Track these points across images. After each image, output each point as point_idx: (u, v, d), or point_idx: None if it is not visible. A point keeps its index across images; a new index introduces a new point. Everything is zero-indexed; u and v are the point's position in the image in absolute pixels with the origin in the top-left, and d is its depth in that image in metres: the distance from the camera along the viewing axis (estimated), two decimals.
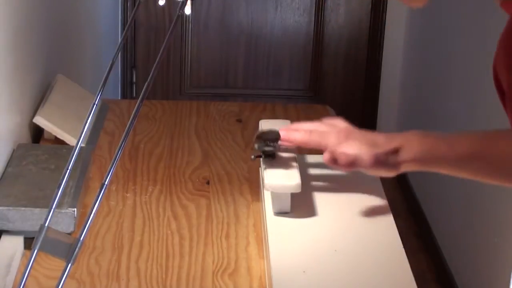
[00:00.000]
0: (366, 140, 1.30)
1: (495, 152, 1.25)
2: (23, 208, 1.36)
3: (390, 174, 1.28)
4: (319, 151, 1.75)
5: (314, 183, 1.44)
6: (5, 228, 1.36)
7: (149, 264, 1.33)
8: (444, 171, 1.30)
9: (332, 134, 1.31)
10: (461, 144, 1.30)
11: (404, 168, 1.27)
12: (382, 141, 1.31)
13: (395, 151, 1.28)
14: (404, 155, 1.28)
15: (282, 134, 1.36)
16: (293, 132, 1.36)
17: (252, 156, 1.41)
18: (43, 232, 1.01)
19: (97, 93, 1.12)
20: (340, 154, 1.28)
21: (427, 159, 1.28)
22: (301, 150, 1.64)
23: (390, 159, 1.27)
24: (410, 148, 1.28)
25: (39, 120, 1.68)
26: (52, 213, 1.02)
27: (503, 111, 1.25)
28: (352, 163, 1.27)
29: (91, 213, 0.99)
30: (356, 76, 3.76)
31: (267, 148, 1.39)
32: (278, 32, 3.70)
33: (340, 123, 1.35)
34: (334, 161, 1.28)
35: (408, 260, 1.23)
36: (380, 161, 1.27)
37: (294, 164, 1.39)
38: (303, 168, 1.46)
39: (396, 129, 3.80)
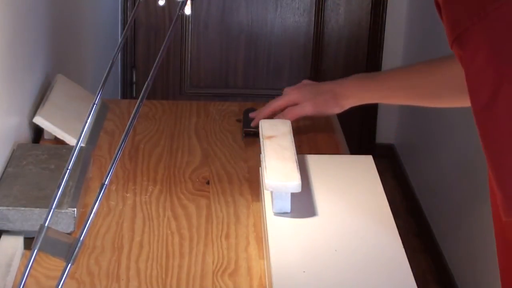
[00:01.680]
0: (312, 90, 1.73)
1: (427, 81, 1.62)
2: (23, 208, 1.36)
3: (333, 112, 1.73)
4: (319, 151, 1.75)
5: (314, 183, 1.44)
6: (5, 228, 1.36)
7: (149, 264, 1.33)
8: (381, 101, 1.77)
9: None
10: (389, 81, 1.68)
11: (346, 107, 1.72)
12: (324, 89, 1.72)
13: (335, 96, 1.70)
14: (342, 99, 1.71)
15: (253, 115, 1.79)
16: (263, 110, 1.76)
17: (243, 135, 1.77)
18: (43, 232, 1.01)
19: (97, 93, 1.12)
20: (287, 111, 1.72)
21: (364, 97, 1.72)
22: (301, 150, 1.64)
23: (330, 103, 1.71)
24: (348, 92, 1.71)
25: (39, 120, 1.68)
26: (52, 213, 1.02)
27: None
28: (298, 114, 1.71)
29: (91, 213, 1.00)
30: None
31: (249, 129, 1.76)
32: (278, 32, 3.70)
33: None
34: (283, 116, 1.70)
35: (408, 260, 1.23)
36: (319, 106, 1.71)
37: (294, 164, 1.39)
38: (303, 168, 1.46)
39: (397, 129, 3.80)
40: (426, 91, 1.65)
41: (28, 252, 1.35)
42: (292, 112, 1.72)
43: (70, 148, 1.60)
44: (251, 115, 1.80)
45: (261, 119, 1.67)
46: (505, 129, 0.90)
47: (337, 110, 1.73)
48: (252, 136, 1.75)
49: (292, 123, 1.56)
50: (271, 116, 1.74)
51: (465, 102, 1.45)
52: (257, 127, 1.67)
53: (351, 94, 1.71)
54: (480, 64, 0.90)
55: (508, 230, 1.06)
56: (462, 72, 1.35)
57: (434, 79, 1.59)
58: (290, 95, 1.75)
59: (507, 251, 1.07)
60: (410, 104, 1.76)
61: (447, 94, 1.59)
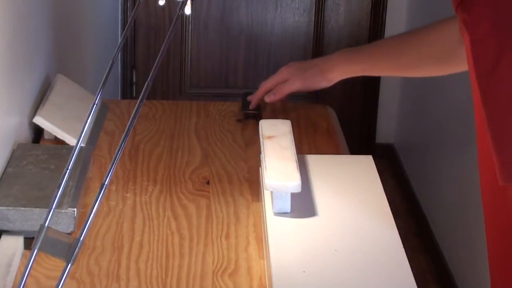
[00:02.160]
0: (301, 66, 1.81)
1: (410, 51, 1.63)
2: (23, 208, 1.36)
3: (321, 87, 1.77)
4: (319, 151, 1.75)
5: (314, 183, 1.44)
6: (5, 228, 1.36)
7: (149, 264, 1.33)
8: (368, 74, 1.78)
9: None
10: (374, 53, 1.72)
11: (333, 81, 1.76)
12: (312, 64, 1.79)
13: (322, 70, 1.75)
14: (329, 73, 1.75)
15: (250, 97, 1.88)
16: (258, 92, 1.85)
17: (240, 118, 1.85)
18: (43, 232, 1.01)
19: (97, 93, 1.12)
20: (277, 89, 1.81)
21: (350, 71, 1.75)
22: (301, 150, 1.64)
23: (317, 77, 1.76)
24: (334, 66, 1.75)
25: (39, 120, 1.68)
26: (52, 213, 1.02)
27: None
28: (286, 91, 1.79)
29: (91, 213, 1.00)
30: (356, 76, 3.76)
31: (248, 111, 1.85)
32: (278, 32, 3.70)
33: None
34: (273, 95, 1.82)
35: (408, 260, 1.23)
36: (307, 81, 1.77)
37: (294, 164, 1.39)
38: (303, 168, 1.46)
39: (396, 129, 3.80)
40: (409, 60, 1.65)
41: (28, 252, 1.35)
42: (281, 89, 1.80)
43: (70, 148, 1.60)
44: (248, 98, 1.89)
45: (257, 99, 1.85)
46: (507, 95, 0.91)
47: (325, 83, 1.77)
48: (251, 118, 1.84)
49: (292, 123, 1.56)
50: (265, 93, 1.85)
51: (444, 71, 1.57)
52: (256, 109, 1.85)
53: (336, 68, 1.75)
54: (484, 30, 0.91)
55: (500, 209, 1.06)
56: (444, 40, 1.44)
57: (417, 47, 1.61)
58: (279, 73, 1.83)
59: (499, 231, 1.08)
60: (394, 75, 1.87)
61: (430, 63, 1.61)
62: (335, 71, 1.75)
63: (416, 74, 1.83)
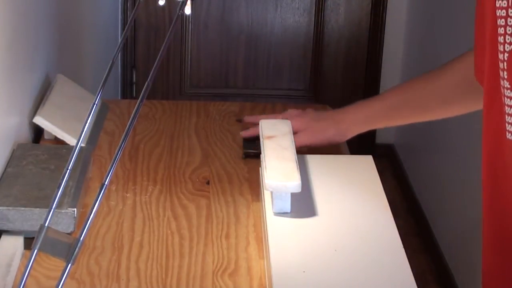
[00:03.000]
0: (317, 128, 1.63)
1: (413, 95, 1.55)
2: (23, 208, 1.36)
3: (338, 142, 1.63)
4: (319, 151, 1.75)
5: (314, 183, 1.44)
6: (5, 228, 1.36)
7: (149, 264, 1.33)
8: (383, 125, 1.66)
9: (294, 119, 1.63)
10: (391, 98, 1.59)
11: (349, 137, 1.62)
12: (325, 116, 1.64)
13: (339, 131, 1.61)
14: (347, 132, 1.61)
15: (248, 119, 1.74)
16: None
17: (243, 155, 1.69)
18: (43, 232, 1.01)
19: (97, 93, 1.12)
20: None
21: (367, 123, 1.62)
22: (301, 150, 1.64)
23: (336, 138, 1.62)
24: (350, 125, 1.61)
25: (39, 120, 1.68)
26: (52, 213, 1.02)
27: None
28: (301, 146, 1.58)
29: (91, 213, 1.00)
30: (356, 76, 3.76)
31: (249, 150, 1.68)
32: (278, 32, 3.70)
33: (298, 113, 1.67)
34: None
35: (408, 260, 1.23)
36: (323, 142, 1.62)
37: (294, 164, 1.39)
38: (303, 168, 1.46)
39: (396, 129, 3.80)
40: (432, 99, 1.53)
41: (28, 252, 1.35)
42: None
43: (70, 148, 1.60)
44: (244, 134, 1.72)
45: (254, 134, 1.64)
46: None
47: (339, 138, 1.62)
48: (253, 157, 1.65)
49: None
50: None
51: (467, 109, 1.50)
52: (257, 147, 1.57)
53: (352, 118, 1.60)
54: None
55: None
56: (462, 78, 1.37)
57: (439, 85, 1.51)
58: (289, 118, 1.64)
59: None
60: (418, 121, 1.65)
61: (457, 101, 1.51)
62: (351, 123, 1.61)
63: (442, 115, 1.61)
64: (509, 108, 1.02)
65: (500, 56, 1.03)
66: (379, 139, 3.85)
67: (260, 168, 1.46)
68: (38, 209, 1.35)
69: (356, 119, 1.60)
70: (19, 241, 1.35)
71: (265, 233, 1.33)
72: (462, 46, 2.94)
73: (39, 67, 1.86)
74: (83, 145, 1.60)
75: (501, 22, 1.03)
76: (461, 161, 2.85)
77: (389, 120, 1.62)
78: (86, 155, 1.57)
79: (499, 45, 1.03)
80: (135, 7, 1.16)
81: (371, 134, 3.84)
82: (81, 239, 0.99)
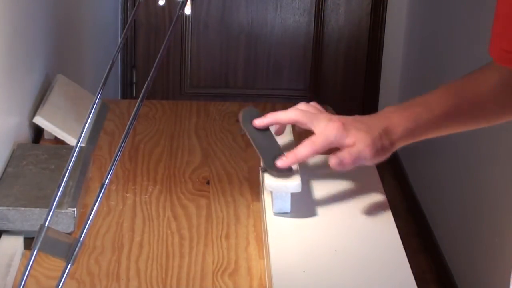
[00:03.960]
0: (361, 127, 1.31)
1: (469, 96, 1.31)
2: (23, 208, 1.36)
3: (385, 156, 1.31)
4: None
5: (314, 183, 1.44)
6: (5, 228, 1.36)
7: (149, 264, 1.33)
8: (432, 135, 1.34)
9: (328, 125, 1.32)
10: (438, 104, 1.32)
11: (396, 147, 1.31)
12: (371, 124, 1.31)
13: (386, 132, 1.30)
14: (394, 134, 1.30)
15: (265, 119, 1.41)
16: (278, 113, 1.39)
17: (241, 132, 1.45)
18: (43, 232, 1.01)
19: (97, 93, 1.12)
20: (345, 154, 1.29)
21: (414, 130, 1.31)
22: None
23: (384, 141, 1.30)
24: (397, 125, 1.31)
25: (39, 120, 1.68)
26: (52, 213, 1.02)
27: None
28: (357, 159, 1.29)
29: (91, 213, 1.00)
30: (356, 76, 3.76)
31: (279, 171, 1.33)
32: (278, 32, 3.70)
33: (319, 108, 1.39)
34: (340, 164, 1.29)
35: (408, 260, 1.23)
36: (377, 147, 1.29)
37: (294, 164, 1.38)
38: (303, 168, 1.46)
39: None
40: (487, 101, 1.30)
41: (28, 252, 1.35)
42: (348, 156, 1.30)
43: (70, 148, 1.60)
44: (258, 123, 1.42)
45: (297, 161, 1.34)
46: None
47: (389, 153, 1.33)
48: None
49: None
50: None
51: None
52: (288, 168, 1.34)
53: (401, 129, 1.31)
54: None
55: None
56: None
57: (492, 84, 1.30)
58: (331, 131, 1.31)
59: None
60: (470, 128, 1.38)
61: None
62: (401, 135, 1.31)
63: (498, 119, 1.36)
64: None
65: None
66: None
67: (260, 168, 1.46)
68: (38, 209, 1.35)
69: (406, 130, 1.31)
70: (19, 241, 1.35)
71: (265, 233, 1.33)
72: (462, 46, 2.94)
73: (39, 67, 1.86)
74: (83, 145, 1.60)
75: None
76: (461, 162, 2.85)
77: (439, 130, 1.35)
78: (86, 155, 1.57)
79: None
80: (135, 7, 1.16)
81: None
82: (81, 239, 0.99)
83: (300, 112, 1.36)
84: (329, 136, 1.30)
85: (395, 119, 1.30)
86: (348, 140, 1.29)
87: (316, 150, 1.31)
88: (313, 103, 1.40)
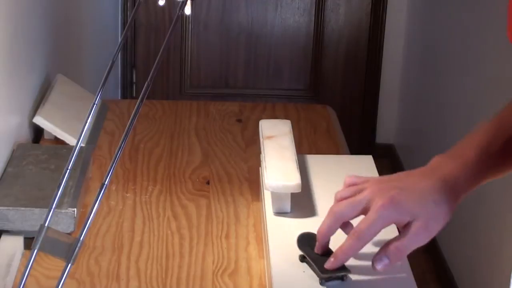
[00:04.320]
0: (414, 197, 1.10)
1: None
2: (23, 208, 1.36)
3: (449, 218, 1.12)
4: (319, 151, 1.75)
5: (314, 183, 1.44)
6: (5, 228, 1.36)
7: (149, 264, 1.33)
8: (491, 178, 1.16)
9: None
10: (490, 144, 1.14)
11: (460, 200, 1.12)
12: (424, 187, 1.11)
13: (446, 191, 1.10)
14: (457, 190, 1.12)
15: (320, 244, 1.14)
16: (324, 230, 1.14)
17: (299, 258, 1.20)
18: (43, 232, 1.01)
19: (97, 93, 1.12)
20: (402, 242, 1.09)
21: (477, 176, 1.13)
22: (301, 150, 1.64)
23: (448, 203, 1.11)
24: (456, 177, 1.12)
25: (39, 120, 1.68)
26: (52, 213, 1.02)
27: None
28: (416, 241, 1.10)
29: (91, 213, 1.00)
30: (356, 76, 3.76)
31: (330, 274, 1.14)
32: (278, 32, 3.70)
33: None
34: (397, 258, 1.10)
35: (408, 260, 1.23)
36: (440, 214, 1.11)
37: (294, 164, 1.39)
38: (303, 168, 1.46)
39: (396, 129, 3.80)
40: None
41: (28, 252, 1.35)
42: (401, 249, 1.11)
43: (70, 148, 1.60)
44: (318, 249, 1.17)
45: (346, 259, 1.13)
46: None
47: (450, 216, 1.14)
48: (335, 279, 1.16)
49: (292, 123, 1.56)
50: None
51: None
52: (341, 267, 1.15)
53: (462, 180, 1.13)
54: None
55: None
56: None
57: None
58: (383, 213, 1.09)
59: None
60: None
61: None
62: (464, 186, 1.14)
63: None
64: None
65: None
66: (379, 139, 3.85)
67: (260, 168, 1.46)
68: (38, 209, 1.35)
69: (468, 184, 1.13)
70: (19, 241, 1.35)
71: (265, 233, 1.33)
72: (462, 46, 2.94)
73: (39, 67, 1.86)
74: (83, 145, 1.60)
75: None
76: None
77: (498, 171, 1.17)
78: (86, 155, 1.57)
79: None
80: (135, 7, 1.16)
81: (371, 134, 3.84)
82: (81, 239, 0.99)
83: (338, 215, 1.14)
84: (379, 223, 1.09)
85: (452, 171, 1.12)
86: (404, 218, 1.08)
87: (366, 241, 1.11)
88: (349, 180, 1.18)
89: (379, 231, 1.10)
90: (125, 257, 1.34)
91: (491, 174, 1.15)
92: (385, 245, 1.10)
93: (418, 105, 3.51)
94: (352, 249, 1.10)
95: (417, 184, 1.12)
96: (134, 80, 3.75)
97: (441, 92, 3.13)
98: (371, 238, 1.10)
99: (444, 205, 1.10)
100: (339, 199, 1.15)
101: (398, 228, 1.12)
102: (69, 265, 0.99)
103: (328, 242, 1.15)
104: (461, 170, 1.12)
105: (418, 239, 1.10)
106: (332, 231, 1.14)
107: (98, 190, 1.00)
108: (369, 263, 1.14)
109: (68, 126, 1.70)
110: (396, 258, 1.10)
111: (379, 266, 1.11)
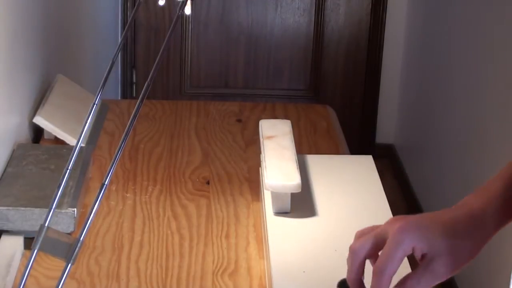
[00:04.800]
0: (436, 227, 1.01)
1: None
2: (23, 208, 1.36)
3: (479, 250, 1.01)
4: (319, 151, 1.75)
5: (314, 183, 1.44)
6: (5, 228, 1.36)
7: (149, 264, 1.33)
8: None
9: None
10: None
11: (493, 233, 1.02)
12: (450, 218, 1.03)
13: (474, 222, 1.02)
14: (488, 226, 1.01)
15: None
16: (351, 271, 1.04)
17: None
18: (43, 232, 1.01)
19: (97, 93, 1.12)
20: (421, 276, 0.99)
21: (504, 211, 1.03)
22: (301, 150, 1.64)
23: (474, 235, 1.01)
24: (482, 207, 1.03)
25: (39, 120, 1.68)
26: (52, 213, 1.02)
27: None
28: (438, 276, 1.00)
29: (91, 213, 1.00)
30: (356, 76, 3.76)
31: None
32: (278, 32, 3.70)
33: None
34: None
35: (408, 260, 1.23)
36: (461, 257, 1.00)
37: (294, 164, 1.39)
38: (303, 168, 1.46)
39: (396, 129, 3.80)
40: None
41: (28, 252, 1.35)
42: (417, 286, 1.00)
43: (70, 148, 1.60)
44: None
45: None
46: None
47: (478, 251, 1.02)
48: None
49: (292, 123, 1.56)
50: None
51: None
52: None
53: (490, 208, 1.03)
54: None
55: None
56: None
57: None
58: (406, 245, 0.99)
59: None
60: None
61: None
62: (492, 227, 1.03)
63: None
64: None
65: None
66: (379, 139, 3.85)
67: (260, 168, 1.46)
68: (38, 209, 1.35)
69: (497, 218, 1.03)
70: (19, 241, 1.35)
71: (265, 233, 1.33)
72: (462, 46, 2.94)
73: (39, 67, 1.86)
74: (83, 145, 1.60)
75: None
76: (461, 161, 2.85)
77: None
78: (86, 155, 1.57)
79: None
80: (135, 7, 1.16)
81: (371, 134, 3.84)
82: (81, 239, 0.99)
83: (358, 251, 1.05)
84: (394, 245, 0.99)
85: (479, 205, 1.03)
86: (424, 245, 0.98)
87: (390, 273, 1.00)
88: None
89: (402, 258, 0.99)
90: (125, 257, 1.34)
91: None
92: (400, 282, 1.01)
93: (418, 105, 3.51)
94: (379, 287, 1.00)
95: (440, 216, 1.03)
96: (134, 80, 3.75)
97: (441, 92, 3.13)
98: (395, 269, 0.99)
99: (470, 240, 1.00)
100: (358, 236, 1.07)
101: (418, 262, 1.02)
102: (69, 265, 0.99)
103: (362, 284, 1.04)
104: (488, 203, 1.02)
105: (437, 275, 0.99)
106: (358, 272, 1.03)
107: (98, 190, 1.00)
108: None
109: (68, 126, 1.70)
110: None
111: None
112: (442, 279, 0.99)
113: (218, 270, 1.31)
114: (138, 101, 1.02)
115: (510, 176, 1.04)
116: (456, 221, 1.01)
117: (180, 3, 1.09)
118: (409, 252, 0.98)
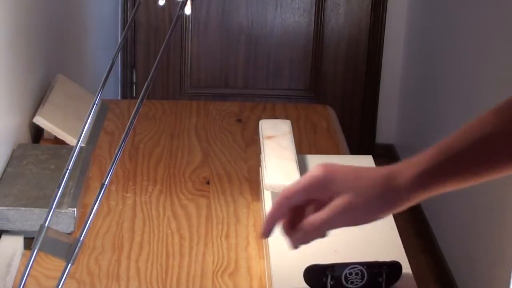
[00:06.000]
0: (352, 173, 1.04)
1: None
2: (23, 208, 1.36)
3: (392, 209, 1.04)
4: (319, 151, 1.75)
5: None
6: (5, 228, 1.36)
7: (149, 264, 1.33)
8: (454, 184, 1.06)
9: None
10: (451, 144, 1.13)
11: (411, 197, 1.02)
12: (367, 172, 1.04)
13: (388, 178, 1.02)
14: (400, 180, 1.02)
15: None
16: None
17: None
18: (43, 232, 1.01)
19: (97, 93, 1.12)
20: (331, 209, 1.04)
21: (431, 172, 1.04)
22: (301, 150, 1.64)
23: (385, 189, 1.02)
24: (403, 170, 1.03)
25: (39, 120, 1.68)
26: (52, 213, 1.02)
27: None
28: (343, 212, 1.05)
29: (91, 213, 1.00)
30: (356, 76, 3.76)
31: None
32: (278, 32, 3.70)
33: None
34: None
35: (408, 260, 1.23)
36: (374, 196, 1.03)
37: (294, 164, 1.39)
38: (303, 168, 1.46)
39: (396, 129, 3.80)
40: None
41: (28, 252, 1.35)
42: (317, 222, 1.05)
43: (70, 148, 1.60)
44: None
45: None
46: None
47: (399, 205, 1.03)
48: None
49: (292, 123, 1.56)
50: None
51: None
52: None
53: (410, 172, 1.02)
54: None
55: None
56: None
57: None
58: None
59: None
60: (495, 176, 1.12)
61: None
62: (410, 179, 1.02)
63: None
64: None
65: None
66: (379, 139, 3.85)
67: (260, 168, 1.46)
68: (38, 209, 1.35)
69: (414, 183, 1.02)
70: (19, 241, 1.35)
71: None
72: (462, 46, 2.94)
73: (39, 67, 1.86)
74: (83, 145, 1.60)
75: None
76: None
77: (464, 177, 1.08)
78: (86, 155, 1.57)
79: None
80: (135, 7, 1.16)
81: (371, 134, 3.84)
82: (81, 239, 0.99)
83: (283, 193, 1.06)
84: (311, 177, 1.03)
85: (401, 165, 1.03)
86: (332, 185, 1.02)
87: (290, 197, 1.04)
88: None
89: (305, 188, 1.03)
90: (125, 257, 1.34)
91: (451, 180, 1.05)
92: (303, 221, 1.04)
93: (418, 105, 3.51)
94: (278, 207, 1.05)
95: (360, 171, 1.04)
96: (134, 80, 3.75)
97: (441, 92, 3.13)
98: (296, 195, 1.03)
99: (380, 198, 1.02)
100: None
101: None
102: (69, 265, 0.99)
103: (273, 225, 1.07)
104: (409, 167, 1.02)
105: (341, 214, 1.04)
106: (283, 213, 1.07)
107: (98, 190, 1.00)
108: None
109: (68, 126, 1.70)
110: (311, 231, 1.04)
111: (293, 244, 1.06)
112: (344, 222, 1.05)
113: (218, 270, 1.31)
114: (138, 101, 1.02)
115: (446, 146, 1.09)
116: (372, 177, 1.02)
117: (180, 3, 1.09)
118: (316, 186, 1.02)
